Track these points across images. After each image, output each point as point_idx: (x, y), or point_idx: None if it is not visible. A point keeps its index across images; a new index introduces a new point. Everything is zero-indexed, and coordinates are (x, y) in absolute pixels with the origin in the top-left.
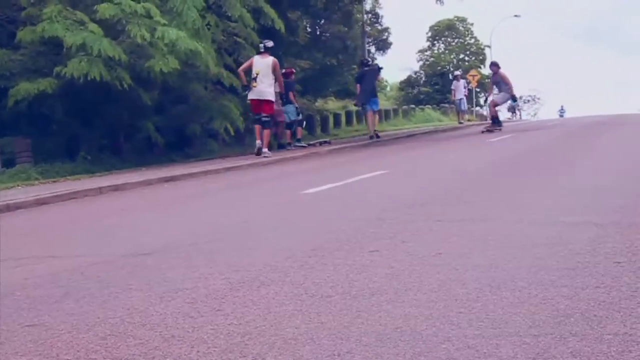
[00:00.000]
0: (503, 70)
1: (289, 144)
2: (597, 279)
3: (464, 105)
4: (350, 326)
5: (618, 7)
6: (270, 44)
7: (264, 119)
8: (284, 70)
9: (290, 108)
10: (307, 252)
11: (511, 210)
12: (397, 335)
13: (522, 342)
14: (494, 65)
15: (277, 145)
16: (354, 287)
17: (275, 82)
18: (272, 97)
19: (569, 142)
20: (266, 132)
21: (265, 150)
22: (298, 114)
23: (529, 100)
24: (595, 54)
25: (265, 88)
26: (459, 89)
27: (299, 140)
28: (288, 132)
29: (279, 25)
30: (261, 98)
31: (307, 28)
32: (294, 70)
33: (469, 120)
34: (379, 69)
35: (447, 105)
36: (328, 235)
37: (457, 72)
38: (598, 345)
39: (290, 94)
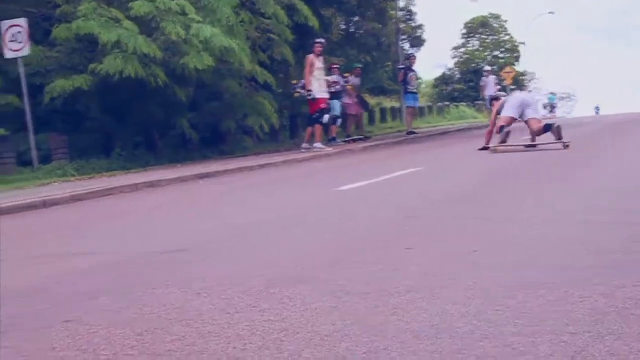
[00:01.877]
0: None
1: (334, 138)
2: (633, 277)
3: None
4: (386, 323)
5: None
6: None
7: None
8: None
9: (335, 103)
10: (342, 249)
11: (545, 209)
12: (434, 333)
13: (560, 340)
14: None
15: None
16: (390, 285)
17: (312, 79)
18: (312, 95)
19: (603, 139)
20: (311, 128)
21: (315, 144)
22: (339, 110)
23: (563, 98)
24: (630, 52)
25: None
26: (489, 85)
27: (333, 139)
28: (333, 127)
29: (313, 22)
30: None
31: (341, 25)
32: (334, 64)
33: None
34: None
35: (481, 102)
36: (362, 232)
37: (487, 68)
38: (635, 344)
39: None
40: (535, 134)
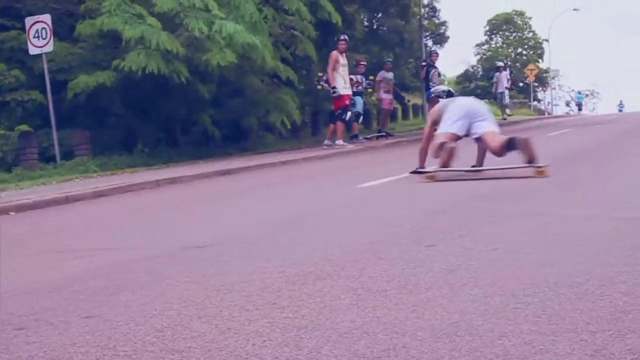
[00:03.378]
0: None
1: (356, 136)
2: None
3: (506, 99)
4: (405, 321)
5: None
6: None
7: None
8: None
9: (358, 100)
10: (362, 246)
11: (567, 205)
12: (453, 330)
13: (580, 339)
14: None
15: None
16: (410, 282)
17: (337, 75)
18: (337, 92)
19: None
20: (333, 125)
21: (338, 141)
22: (361, 107)
23: (587, 95)
24: None
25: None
26: (501, 81)
27: (355, 137)
28: (355, 124)
29: (336, 18)
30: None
31: (364, 22)
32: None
33: (510, 115)
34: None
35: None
36: (383, 229)
37: (500, 64)
38: None
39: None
40: (496, 153)
